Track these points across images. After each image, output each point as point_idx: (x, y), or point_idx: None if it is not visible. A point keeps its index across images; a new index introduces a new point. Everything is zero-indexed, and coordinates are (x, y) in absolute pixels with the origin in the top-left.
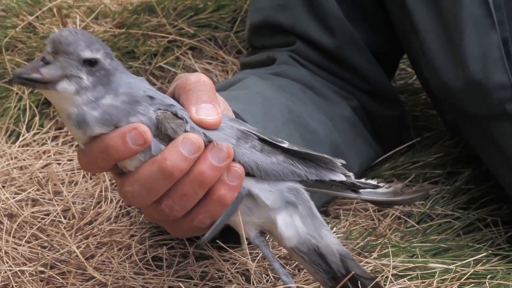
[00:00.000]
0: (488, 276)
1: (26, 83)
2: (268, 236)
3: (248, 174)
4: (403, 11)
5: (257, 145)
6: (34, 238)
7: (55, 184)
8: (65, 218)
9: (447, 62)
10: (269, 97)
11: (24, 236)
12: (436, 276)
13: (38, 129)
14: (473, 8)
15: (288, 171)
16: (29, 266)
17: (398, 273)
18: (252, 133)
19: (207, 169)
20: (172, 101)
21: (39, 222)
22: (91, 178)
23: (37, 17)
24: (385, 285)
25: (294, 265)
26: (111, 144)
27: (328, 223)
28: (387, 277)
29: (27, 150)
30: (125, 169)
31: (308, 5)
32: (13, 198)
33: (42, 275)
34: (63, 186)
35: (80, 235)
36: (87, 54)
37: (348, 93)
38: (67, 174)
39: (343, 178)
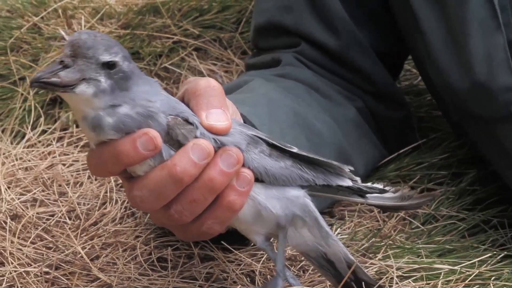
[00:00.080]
0: (493, 278)
1: (45, 87)
2: (274, 240)
3: (256, 179)
4: (408, 12)
5: (266, 150)
6: (39, 239)
7: (60, 185)
8: (70, 219)
9: (452, 63)
10: (274, 99)
11: (29, 237)
12: (441, 277)
13: (43, 130)
14: (478, 10)
15: (296, 176)
16: (34, 267)
17: (403, 274)
18: (260, 138)
19: (217, 175)
20: (183, 107)
21: (44, 223)
22: (96, 179)
23: (42, 18)
24: (390, 286)
25: (299, 266)
26: (121, 149)
27: (333, 224)
28: (392, 278)
29: (32, 151)
30: (134, 174)
31: (312, 7)
32: (18, 199)
33: (47, 276)
34: (68, 187)
35: (85, 236)
36: (106, 58)
37: (353, 94)
38: (72, 175)
39: (349, 183)
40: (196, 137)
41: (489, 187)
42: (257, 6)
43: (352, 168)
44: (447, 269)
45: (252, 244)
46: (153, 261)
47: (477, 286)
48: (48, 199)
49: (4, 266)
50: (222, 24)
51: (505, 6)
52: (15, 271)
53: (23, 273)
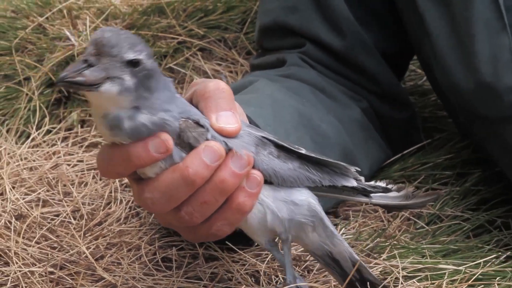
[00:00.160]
0: (498, 278)
1: (70, 86)
2: (279, 240)
3: (265, 181)
4: (415, 14)
5: (274, 151)
6: (43, 238)
7: (65, 185)
8: (74, 219)
9: (457, 64)
10: (279, 100)
11: (34, 237)
12: (446, 277)
13: (48, 130)
14: (484, 11)
15: (303, 177)
16: (39, 267)
17: (407, 274)
18: (268, 139)
19: (228, 177)
20: (194, 109)
21: (48, 223)
22: (100, 179)
23: (47, 18)
24: (395, 286)
25: (304, 266)
26: (133, 151)
27: (337, 224)
28: (396, 278)
29: (37, 151)
30: (143, 175)
31: (317, 7)
32: (23, 199)
33: (52, 276)
34: (73, 187)
35: (89, 236)
36: (131, 56)
37: (357, 95)
38: (77, 175)
39: (354, 183)
40: (207, 139)
41: (494, 188)
42: (262, 6)
43: (358, 169)
44: (452, 269)
45: (257, 244)
46: (157, 261)
47: (482, 286)
48: (53, 199)
49: (9, 266)
50: (227, 24)
51: (510, 7)
52: (19, 271)
53: (28, 273)
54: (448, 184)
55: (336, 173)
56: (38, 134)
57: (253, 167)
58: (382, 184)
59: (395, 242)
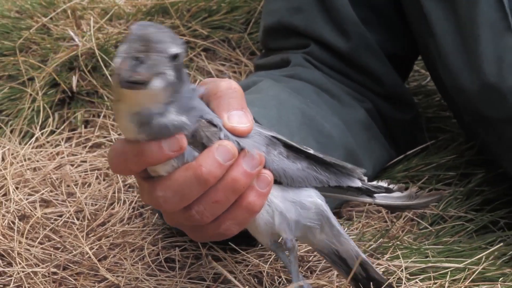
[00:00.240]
0: (501, 279)
1: (133, 86)
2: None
3: (274, 181)
4: (420, 14)
5: (284, 151)
6: (47, 239)
7: (68, 186)
8: (78, 219)
9: (462, 65)
10: (283, 101)
11: (37, 237)
12: (448, 277)
13: (51, 130)
14: (489, 12)
15: (311, 178)
16: (42, 267)
17: (410, 274)
18: (277, 138)
19: (240, 176)
20: (207, 108)
21: (52, 223)
22: (104, 180)
23: (51, 18)
24: (398, 286)
25: (307, 267)
26: (146, 148)
27: (341, 224)
28: (399, 278)
29: (41, 151)
30: (153, 173)
31: (322, 8)
32: (26, 199)
33: (55, 276)
34: (76, 188)
35: (92, 236)
36: (174, 50)
37: (362, 96)
38: (80, 176)
39: (359, 184)
40: (220, 139)
41: (497, 188)
42: (266, 6)
43: (364, 171)
44: (454, 268)
45: (260, 245)
46: (160, 261)
47: (484, 286)
48: (56, 200)
49: (12, 266)
50: (230, 24)
51: None
52: (23, 272)
53: (31, 273)
54: (452, 185)
55: (342, 174)
56: (42, 134)
57: (264, 167)
58: (384, 184)
59: (398, 242)
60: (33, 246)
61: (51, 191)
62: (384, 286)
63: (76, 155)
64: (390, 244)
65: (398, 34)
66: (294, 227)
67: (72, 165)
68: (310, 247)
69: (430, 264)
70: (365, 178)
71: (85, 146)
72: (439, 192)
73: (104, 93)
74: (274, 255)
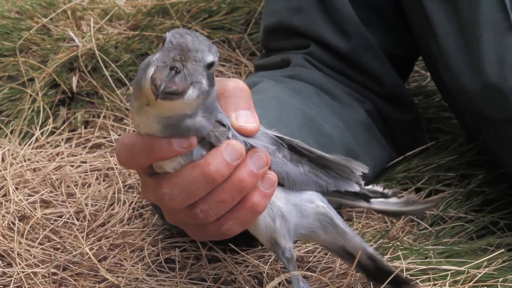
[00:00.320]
0: (501, 279)
1: (170, 97)
2: None
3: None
4: (421, 14)
5: (287, 154)
6: (46, 240)
7: (68, 186)
8: (78, 220)
9: (464, 65)
10: (283, 101)
11: (37, 238)
12: (448, 278)
13: (51, 131)
14: (490, 12)
15: (312, 182)
16: (42, 268)
17: (410, 275)
18: (282, 139)
19: (247, 176)
20: (219, 108)
21: (52, 224)
22: (104, 180)
23: (51, 19)
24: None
25: (307, 267)
26: (156, 143)
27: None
28: None
29: (41, 152)
30: (159, 169)
31: (323, 8)
32: (26, 200)
33: (55, 277)
34: (76, 188)
35: (92, 237)
36: (210, 59)
37: (362, 96)
38: (80, 176)
39: (357, 188)
40: (228, 138)
41: (497, 189)
42: (266, 7)
43: (366, 170)
44: (454, 270)
45: (260, 245)
46: (160, 262)
47: (485, 287)
48: (56, 200)
49: (12, 267)
50: (231, 25)
51: None
52: (22, 272)
53: (31, 274)
54: (452, 186)
55: (341, 178)
56: (42, 135)
57: (270, 168)
58: (379, 188)
59: (398, 243)
60: (33, 247)
61: (51, 192)
62: (393, 275)
63: (76, 155)
64: (390, 245)
65: (398, 35)
66: (294, 232)
67: (72, 166)
68: (310, 248)
69: (430, 266)
70: (363, 182)
71: (85, 147)
72: (435, 199)
73: (104, 93)
74: (274, 255)
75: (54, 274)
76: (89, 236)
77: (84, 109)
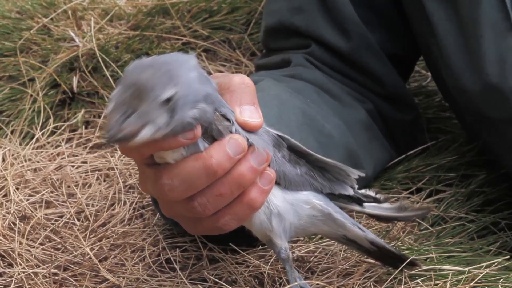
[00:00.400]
0: (502, 280)
1: (120, 142)
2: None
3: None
4: (422, 14)
5: (286, 154)
6: (47, 240)
7: (68, 186)
8: (78, 220)
9: (464, 65)
10: (284, 100)
11: (38, 238)
12: (450, 278)
13: (52, 131)
14: (491, 12)
15: (307, 184)
16: (43, 268)
17: (411, 276)
18: (283, 138)
19: (247, 171)
20: (223, 101)
21: (52, 224)
22: (104, 180)
23: (51, 19)
24: (398, 287)
25: (307, 267)
26: None
27: None
28: (400, 279)
29: (41, 152)
30: (160, 160)
31: (323, 8)
32: (27, 200)
33: (56, 277)
34: (76, 188)
35: (93, 237)
36: (167, 95)
37: (362, 96)
38: (81, 176)
39: (351, 192)
40: (231, 132)
41: (498, 189)
42: (267, 7)
43: (363, 175)
44: (455, 270)
45: (260, 245)
46: (161, 262)
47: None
48: (57, 200)
49: (12, 267)
50: (231, 25)
51: None
52: (23, 272)
53: (32, 274)
54: (453, 186)
55: (337, 181)
56: (42, 135)
57: (269, 166)
58: (372, 193)
59: (399, 243)
60: (33, 247)
61: (52, 192)
62: (399, 259)
63: (76, 155)
64: (391, 245)
65: (398, 35)
66: (289, 231)
67: (73, 166)
68: (311, 248)
69: (431, 266)
70: (357, 186)
71: (86, 147)
72: (428, 206)
73: (104, 93)
74: (275, 256)
75: (55, 274)
76: (90, 236)
77: (85, 109)
